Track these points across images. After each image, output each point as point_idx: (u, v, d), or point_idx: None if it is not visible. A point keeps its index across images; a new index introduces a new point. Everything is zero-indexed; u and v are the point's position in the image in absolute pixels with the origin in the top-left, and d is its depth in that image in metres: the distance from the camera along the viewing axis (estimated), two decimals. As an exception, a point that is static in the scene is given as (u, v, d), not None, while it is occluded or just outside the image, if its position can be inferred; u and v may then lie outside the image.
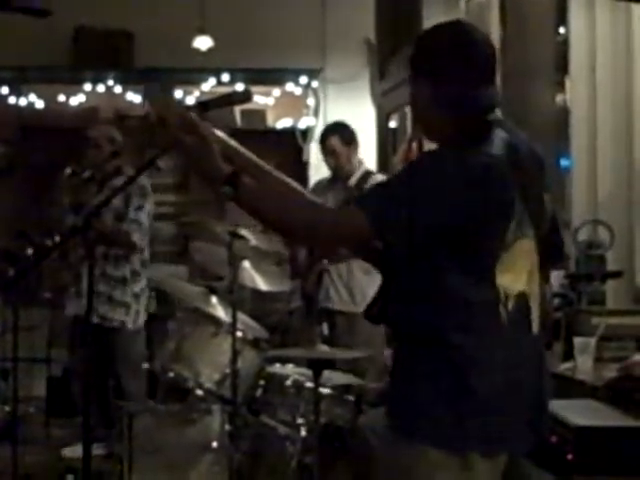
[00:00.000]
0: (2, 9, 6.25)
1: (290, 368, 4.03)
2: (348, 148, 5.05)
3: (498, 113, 2.28)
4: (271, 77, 7.77)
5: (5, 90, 7.62)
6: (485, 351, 2.12)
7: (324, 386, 3.67)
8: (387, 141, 7.58)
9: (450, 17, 6.05)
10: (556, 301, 4.19)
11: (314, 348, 3.67)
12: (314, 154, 7.10)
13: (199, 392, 3.92)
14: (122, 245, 4.86)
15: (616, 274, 4.51)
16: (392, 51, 7.17)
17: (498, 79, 2.26)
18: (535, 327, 2.22)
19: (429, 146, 2.35)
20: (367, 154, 6.30)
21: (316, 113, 7.83)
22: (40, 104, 7.79)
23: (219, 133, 2.40)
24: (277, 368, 4.02)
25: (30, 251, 4.73)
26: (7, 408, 5.36)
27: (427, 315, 2.15)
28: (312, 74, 7.73)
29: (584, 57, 5.09)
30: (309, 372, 3.56)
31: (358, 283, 4.95)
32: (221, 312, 4.02)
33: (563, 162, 5.27)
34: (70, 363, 5.29)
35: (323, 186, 5.15)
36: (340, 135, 5.05)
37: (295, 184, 2.47)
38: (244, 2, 7.63)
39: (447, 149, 2.18)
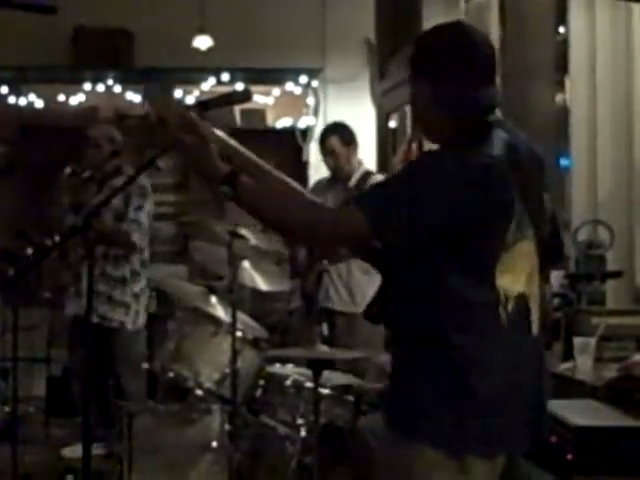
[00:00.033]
0: (4, 6, 6.24)
1: (290, 368, 4.03)
2: (347, 149, 5.05)
3: (498, 113, 2.28)
4: (271, 77, 7.76)
5: (5, 90, 7.62)
6: (485, 352, 2.12)
7: (324, 386, 3.67)
8: (387, 141, 7.57)
9: (450, 17, 6.07)
10: (556, 301, 4.19)
11: (314, 348, 3.67)
12: (314, 154, 7.09)
13: (199, 392, 3.92)
14: (122, 245, 4.86)
15: (616, 274, 4.51)
16: (392, 51, 7.17)
17: (498, 79, 2.26)
18: (535, 328, 2.22)
19: (429, 146, 2.35)
20: (367, 154, 6.30)
21: (316, 113, 7.82)
22: (40, 104, 7.78)
23: (219, 132, 2.40)
24: (277, 368, 4.02)
25: (30, 251, 4.72)
26: (7, 408, 5.36)
27: (427, 315, 2.15)
28: (312, 74, 7.73)
29: (584, 57, 5.09)
30: (309, 372, 3.56)
31: (358, 283, 4.95)
32: (221, 312, 4.02)
33: (563, 162, 5.27)
34: (70, 363, 5.29)
35: (322, 186, 5.14)
36: (340, 136, 5.05)
37: (295, 184, 2.47)
38: (244, 2, 7.63)
39: (447, 149, 2.18)
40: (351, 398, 3.79)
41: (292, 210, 2.20)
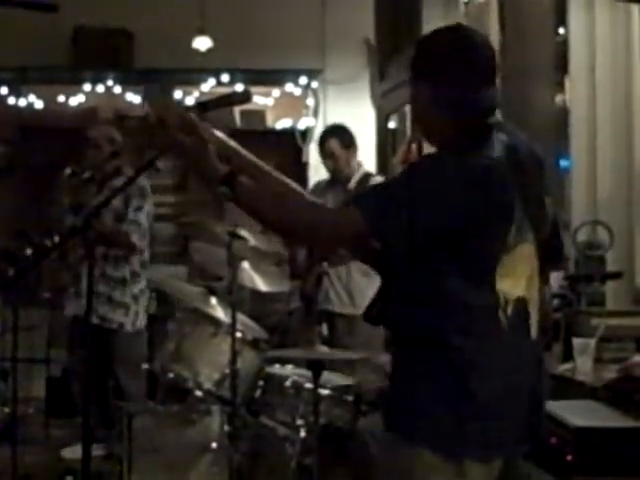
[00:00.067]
0: (5, 4, 6.23)
1: (289, 369, 4.03)
2: (347, 151, 5.05)
3: (498, 115, 2.28)
4: (271, 78, 7.76)
5: (4, 90, 7.62)
6: (484, 355, 2.12)
7: (323, 387, 3.67)
8: (387, 142, 7.57)
9: (449, 18, 6.07)
10: (556, 302, 4.19)
11: (313, 349, 3.67)
12: (313, 155, 7.09)
13: (198, 393, 3.92)
14: (121, 246, 4.85)
15: (616, 275, 4.51)
16: (392, 52, 7.17)
17: (498, 80, 2.26)
18: (534, 332, 2.21)
19: (429, 147, 2.35)
20: (366, 155, 6.30)
21: (316, 114, 7.83)
22: (40, 104, 7.78)
23: (218, 133, 2.40)
24: (276, 369, 4.01)
25: (30, 251, 4.72)
26: (6, 409, 5.36)
27: (427, 317, 2.15)
28: (312, 75, 7.73)
29: (584, 57, 5.09)
30: (308, 373, 3.56)
31: (357, 285, 4.95)
32: (220, 312, 4.02)
33: (563, 162, 5.27)
34: (70, 363, 5.28)
35: (322, 188, 5.14)
36: (339, 138, 5.05)
37: (294, 184, 2.48)
38: (244, 2, 7.63)
39: (447, 152, 2.18)
40: (350, 399, 3.79)
41: (291, 210, 2.20)
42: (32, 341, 5.65)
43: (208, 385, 3.88)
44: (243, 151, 2.45)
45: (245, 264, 4.07)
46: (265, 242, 3.95)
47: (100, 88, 7.64)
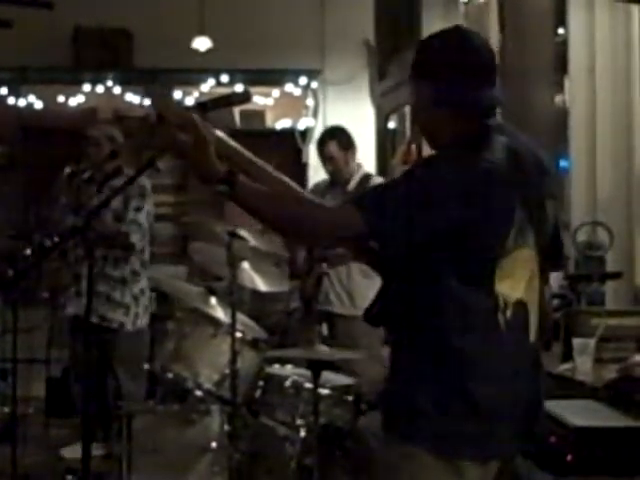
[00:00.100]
0: (1, 2, 6.23)
1: (289, 369, 4.03)
2: (346, 153, 5.04)
3: (498, 117, 2.28)
4: (270, 78, 7.77)
5: (4, 90, 7.63)
6: (483, 357, 2.12)
7: (323, 387, 3.67)
8: (386, 142, 7.58)
9: (449, 18, 6.08)
10: (555, 302, 4.20)
11: (313, 349, 3.67)
12: (313, 155, 7.09)
13: (198, 392, 3.91)
14: (121, 246, 4.85)
15: (615, 275, 4.52)
16: (391, 52, 7.18)
17: (498, 81, 2.27)
18: (532, 335, 2.21)
19: (428, 148, 2.35)
20: (366, 155, 6.31)
21: (315, 114, 7.83)
22: (39, 105, 7.79)
23: (219, 132, 2.40)
24: (276, 369, 4.01)
25: (29, 251, 4.72)
26: (6, 409, 5.35)
27: (426, 318, 2.15)
28: (311, 75, 7.74)
29: (583, 58, 5.09)
30: (308, 373, 3.56)
31: (357, 286, 4.95)
32: (220, 313, 4.02)
33: (562, 163, 5.27)
34: (69, 363, 5.28)
35: (321, 189, 5.13)
36: (338, 140, 5.04)
37: (294, 183, 2.48)
38: (243, 3, 7.64)
39: (447, 154, 2.18)
40: (350, 398, 3.79)
41: (291, 209, 2.20)
42: (32, 341, 5.64)
43: (208, 385, 3.88)
44: (243, 150, 2.46)
45: (245, 264, 4.07)
46: (265, 242, 3.95)
47: (100, 88, 7.65)
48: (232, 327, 3.78)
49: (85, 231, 2.64)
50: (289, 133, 8.02)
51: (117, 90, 7.69)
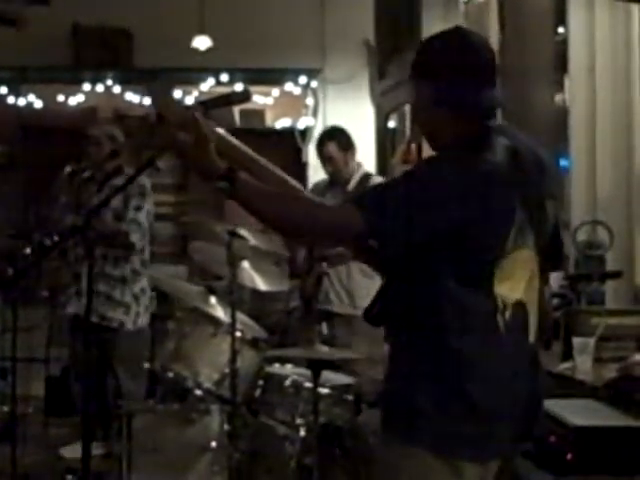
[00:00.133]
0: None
1: (289, 368, 4.03)
2: (345, 154, 5.04)
3: (498, 117, 2.28)
4: (270, 77, 7.77)
5: (4, 90, 7.63)
6: (482, 358, 2.12)
7: (323, 386, 3.67)
8: (386, 141, 7.58)
9: (449, 18, 6.08)
10: (555, 301, 4.19)
11: (313, 348, 3.67)
12: (313, 155, 7.09)
13: (198, 392, 3.92)
14: (121, 245, 4.85)
15: (615, 274, 4.52)
16: (391, 51, 7.17)
17: (498, 81, 2.27)
18: (532, 336, 2.21)
19: (428, 148, 2.35)
20: (366, 154, 6.31)
21: (315, 113, 7.83)
22: (39, 104, 7.79)
23: (219, 130, 2.40)
24: (276, 368, 4.02)
25: (29, 250, 4.72)
26: (6, 408, 5.35)
27: (425, 318, 2.15)
28: (311, 74, 7.74)
29: (583, 57, 5.09)
30: (308, 372, 3.56)
31: (357, 286, 4.95)
32: (220, 312, 4.02)
33: (562, 162, 5.27)
34: (69, 362, 5.28)
35: (321, 189, 5.12)
36: (337, 141, 5.04)
37: (294, 182, 2.48)
38: (243, 2, 7.64)
39: (448, 155, 2.18)
40: (350, 398, 3.79)
41: (291, 207, 2.20)
42: (31, 340, 5.64)
43: (208, 384, 3.88)
44: (243, 148, 2.46)
45: (245, 264, 4.07)
46: (265, 241, 3.95)
47: (100, 87, 7.65)
48: (232, 326, 3.78)
49: (85, 230, 2.64)
50: (289, 132, 8.02)
51: (117, 89, 7.69)
